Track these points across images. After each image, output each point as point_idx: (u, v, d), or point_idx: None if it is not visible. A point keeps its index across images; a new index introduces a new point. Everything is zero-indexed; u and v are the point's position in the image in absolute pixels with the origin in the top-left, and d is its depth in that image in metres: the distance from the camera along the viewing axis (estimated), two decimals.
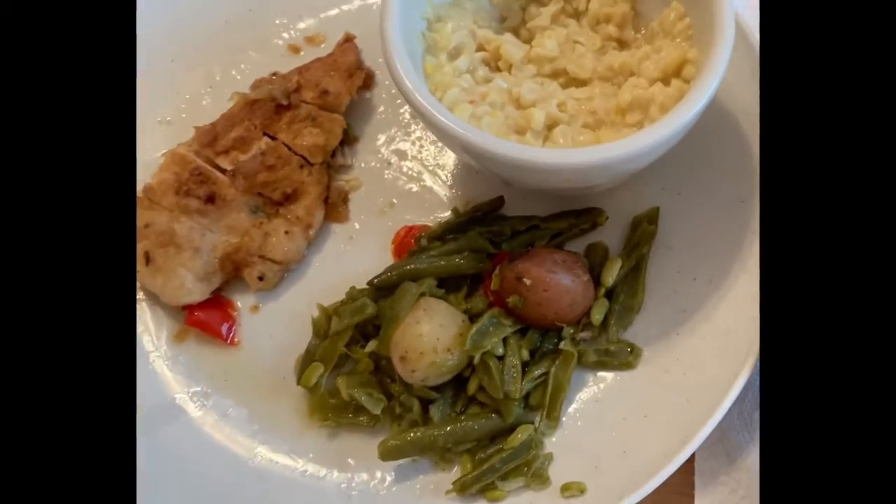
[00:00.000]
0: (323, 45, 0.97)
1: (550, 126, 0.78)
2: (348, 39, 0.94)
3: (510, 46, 0.83)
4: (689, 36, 0.80)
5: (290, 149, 0.87)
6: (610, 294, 0.83)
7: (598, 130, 0.78)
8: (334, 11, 0.98)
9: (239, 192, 0.85)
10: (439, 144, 0.90)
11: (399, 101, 0.94)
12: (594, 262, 0.84)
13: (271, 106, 0.88)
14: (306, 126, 0.87)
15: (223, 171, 0.86)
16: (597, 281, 0.83)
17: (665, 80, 0.79)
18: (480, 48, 0.84)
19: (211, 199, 0.84)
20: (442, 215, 0.88)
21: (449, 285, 0.83)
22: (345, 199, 0.89)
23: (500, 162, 0.71)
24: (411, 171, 0.90)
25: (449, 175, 0.90)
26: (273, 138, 0.87)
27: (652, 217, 0.85)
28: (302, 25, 0.98)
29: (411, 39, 0.78)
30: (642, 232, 0.84)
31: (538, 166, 0.70)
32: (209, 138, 0.87)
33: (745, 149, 0.86)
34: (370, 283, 0.82)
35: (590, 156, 0.70)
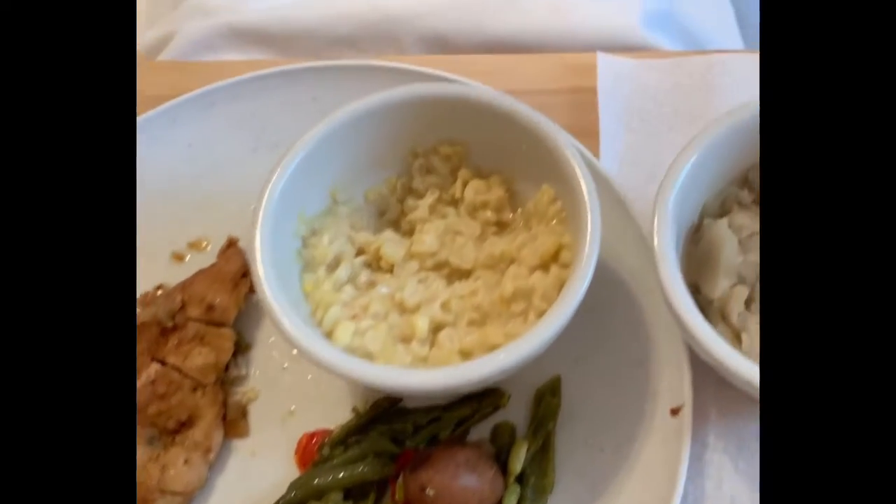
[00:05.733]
0: (208, 248, 0.96)
1: (436, 329, 0.78)
2: (231, 244, 0.93)
3: (390, 247, 0.83)
4: (563, 219, 0.81)
5: (181, 372, 0.85)
6: (521, 477, 0.82)
7: (485, 326, 0.78)
8: (216, 214, 0.97)
9: None
10: None
11: None
12: (501, 445, 0.83)
13: (157, 328, 0.86)
14: (195, 346, 0.85)
15: None
16: (505, 466, 0.82)
17: (544, 267, 0.80)
18: (361, 251, 0.84)
19: None
20: (343, 416, 0.86)
21: (356, 493, 0.81)
22: (243, 413, 0.87)
23: (387, 389, 0.70)
24: (307, 373, 0.88)
25: None
26: (163, 363, 0.85)
27: (555, 388, 0.85)
28: (184, 231, 0.97)
29: (286, 263, 0.78)
30: (546, 405, 0.84)
31: (423, 391, 0.70)
32: None
33: (637, 310, 0.87)
34: None
35: (471, 372, 0.70)
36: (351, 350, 0.75)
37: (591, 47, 1.08)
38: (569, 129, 0.96)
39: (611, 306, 0.87)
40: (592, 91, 1.04)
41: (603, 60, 1.04)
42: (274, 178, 0.77)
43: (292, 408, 0.87)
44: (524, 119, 0.80)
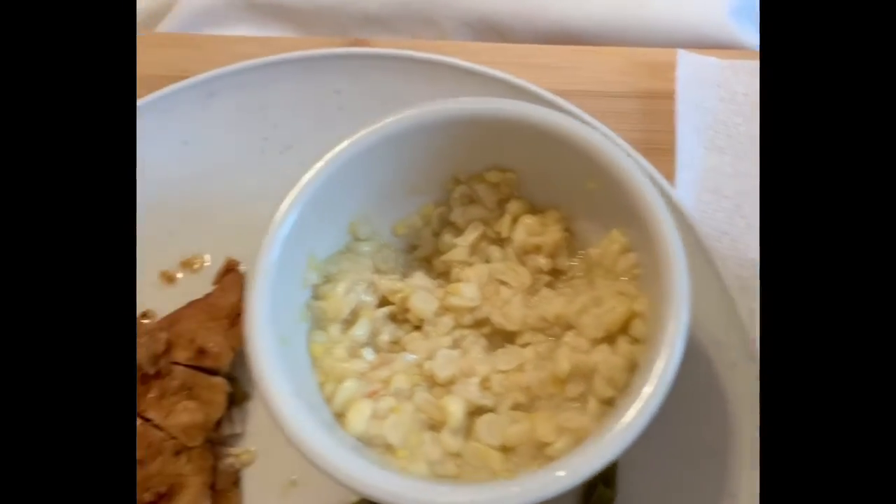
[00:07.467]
0: (204, 268, 0.81)
1: (474, 412, 0.63)
2: (230, 269, 0.78)
3: (420, 298, 0.67)
4: (636, 276, 0.65)
5: (162, 430, 0.70)
6: None
7: (533, 413, 0.63)
8: (214, 228, 0.82)
9: None
10: None
11: None
12: None
13: (137, 375, 0.72)
14: (180, 399, 0.71)
15: None
16: None
17: (610, 340, 0.64)
18: (385, 301, 0.68)
19: None
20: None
21: None
22: (236, 481, 0.73)
23: None
24: None
25: None
26: (143, 418, 0.71)
27: (609, 476, 0.71)
28: (176, 247, 0.81)
29: (291, 321, 0.63)
30: (598, 498, 0.70)
31: None
32: None
33: (715, 385, 0.72)
34: None
35: (516, 496, 0.55)
36: (367, 440, 0.61)
37: (668, 42, 0.91)
38: (637, 144, 0.80)
39: (683, 377, 0.72)
40: (668, 97, 0.86)
41: (685, 59, 0.86)
42: (279, 216, 0.61)
43: (294, 477, 0.73)
44: (595, 150, 0.64)
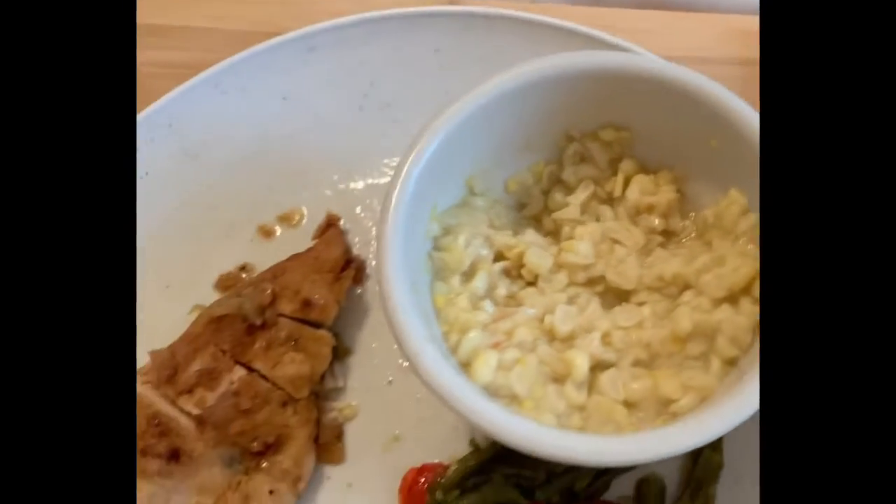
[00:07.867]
0: (302, 223, 0.81)
1: (595, 367, 0.63)
2: (331, 224, 0.77)
3: (535, 254, 0.67)
4: (756, 237, 0.65)
5: (269, 381, 0.70)
6: None
7: (655, 370, 0.63)
8: (313, 183, 0.81)
9: (209, 446, 0.69)
10: None
11: None
12: None
13: (243, 325, 0.71)
14: (287, 351, 0.71)
15: (187, 413, 0.70)
16: None
17: (732, 300, 0.64)
18: (499, 256, 0.68)
19: (175, 455, 0.68)
20: (458, 448, 0.72)
21: None
22: (339, 435, 0.73)
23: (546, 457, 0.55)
24: (418, 391, 0.74)
25: None
26: (249, 368, 0.71)
27: (716, 441, 0.70)
28: (274, 201, 0.81)
29: (417, 272, 0.62)
30: (706, 463, 0.69)
31: (589, 463, 0.55)
32: (168, 370, 0.70)
33: None
34: None
35: (661, 445, 0.55)
36: (493, 390, 0.61)
37: None
38: None
39: None
40: None
41: None
42: (407, 166, 0.61)
43: (397, 432, 0.73)
44: (723, 105, 0.63)
